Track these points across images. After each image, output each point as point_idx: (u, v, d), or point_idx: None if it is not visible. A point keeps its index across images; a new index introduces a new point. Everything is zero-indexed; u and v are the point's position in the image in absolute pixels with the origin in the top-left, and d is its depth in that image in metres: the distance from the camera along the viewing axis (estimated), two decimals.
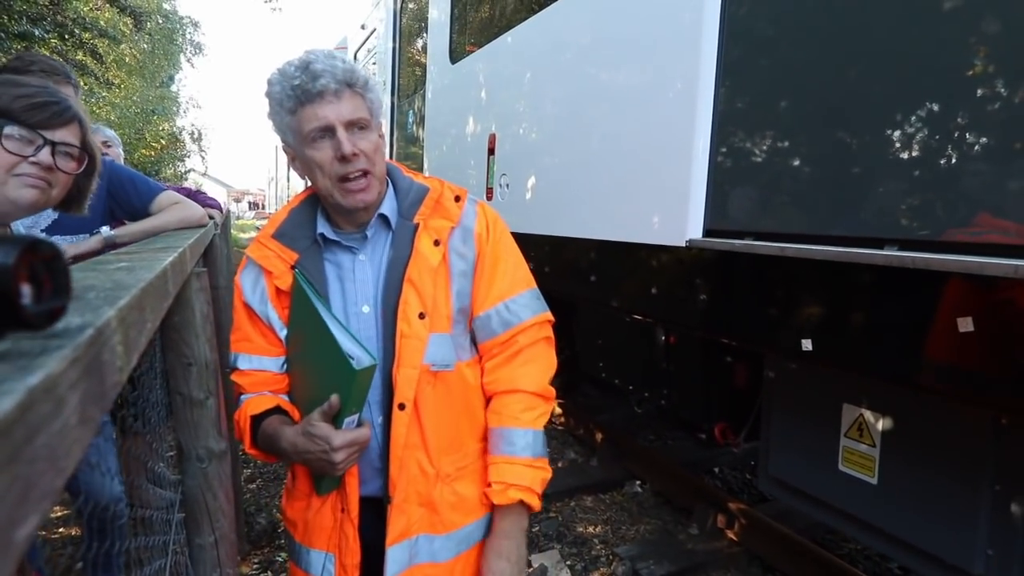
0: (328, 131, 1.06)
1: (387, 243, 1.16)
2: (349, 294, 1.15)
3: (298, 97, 1.05)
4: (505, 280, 1.19)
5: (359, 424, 1.08)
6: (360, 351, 1.05)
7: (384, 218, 1.16)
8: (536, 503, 1.16)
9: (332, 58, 1.06)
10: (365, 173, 1.08)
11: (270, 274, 1.16)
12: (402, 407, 1.10)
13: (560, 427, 4.39)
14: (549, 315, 1.24)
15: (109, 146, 2.88)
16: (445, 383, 1.15)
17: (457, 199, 1.19)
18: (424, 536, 1.15)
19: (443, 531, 1.17)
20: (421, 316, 1.11)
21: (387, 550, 1.13)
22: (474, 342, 1.23)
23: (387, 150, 1.23)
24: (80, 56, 6.44)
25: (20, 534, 0.22)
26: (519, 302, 1.19)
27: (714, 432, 2.90)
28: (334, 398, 1.03)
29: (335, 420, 1.05)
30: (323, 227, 1.16)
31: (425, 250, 1.13)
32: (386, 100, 5.65)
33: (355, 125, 1.08)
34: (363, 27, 7.20)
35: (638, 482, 3.53)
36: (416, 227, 1.15)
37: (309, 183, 1.17)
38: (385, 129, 5.08)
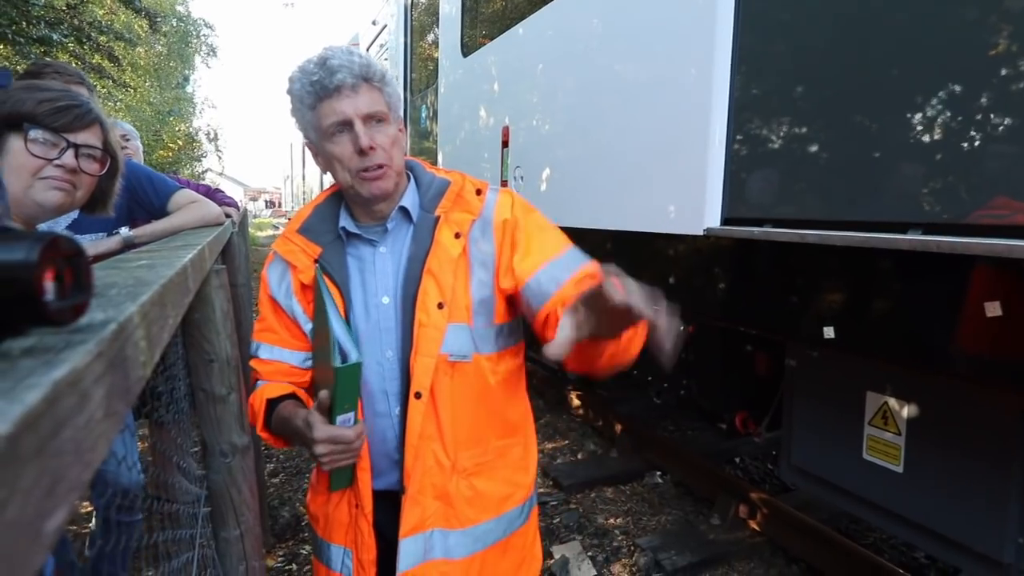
0: (346, 125, 1.08)
1: (408, 235, 1.17)
2: (369, 286, 1.16)
3: (317, 92, 1.07)
4: (548, 242, 1.16)
5: (353, 424, 1.08)
6: (351, 348, 1.06)
7: (405, 211, 1.17)
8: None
9: (349, 53, 1.08)
10: (382, 166, 1.09)
11: (295, 268, 1.17)
12: (418, 396, 1.11)
13: (579, 418, 4.39)
14: (591, 263, 1.17)
15: (128, 140, 2.92)
16: (462, 374, 1.14)
17: (478, 192, 1.19)
18: (439, 530, 1.15)
19: (458, 526, 1.16)
20: (440, 306, 1.11)
21: (400, 542, 1.13)
22: (507, 336, 1.20)
23: (406, 144, 1.24)
24: (97, 59, 6.52)
25: (49, 526, 0.22)
26: (563, 261, 1.14)
27: (735, 422, 2.88)
28: (323, 394, 1.05)
29: (329, 416, 1.06)
30: (345, 221, 1.18)
31: (446, 242, 1.13)
32: None
33: (373, 118, 1.09)
34: (374, 23, 7.21)
35: (658, 473, 3.52)
36: (437, 220, 1.15)
37: (331, 179, 1.18)
38: None
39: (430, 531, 1.15)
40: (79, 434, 0.27)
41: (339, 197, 1.22)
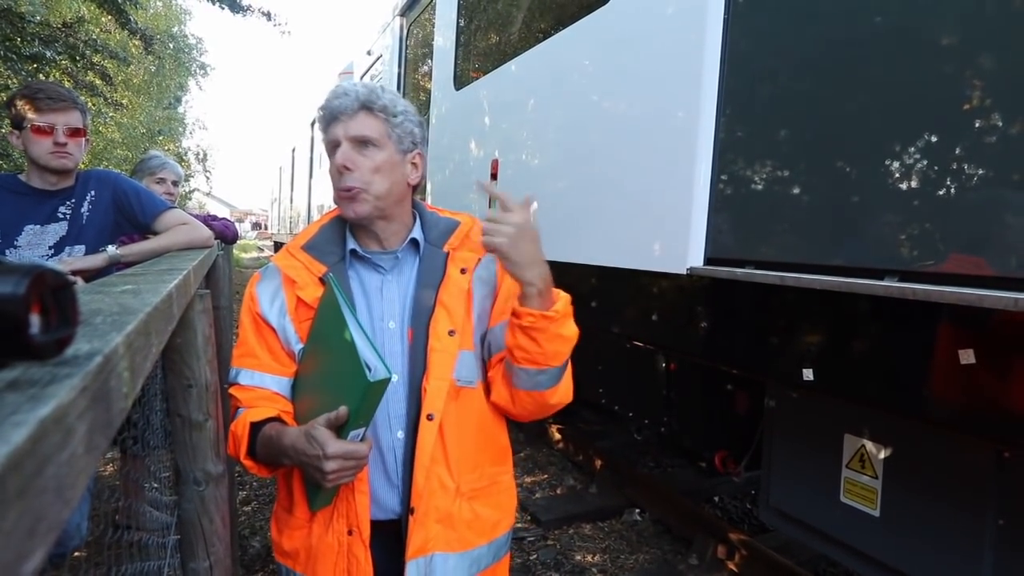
0: (337, 146, 1.15)
1: (415, 267, 1.22)
2: (375, 310, 1.19)
3: (325, 118, 1.17)
4: None
5: (362, 440, 1.06)
6: (379, 363, 1.03)
7: (415, 244, 1.23)
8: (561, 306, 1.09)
9: (361, 85, 1.17)
10: (351, 189, 1.14)
11: (293, 284, 1.18)
12: (430, 417, 1.12)
13: (559, 452, 4.36)
14: None
15: (176, 184, 2.98)
16: (467, 400, 1.18)
17: None
18: (439, 554, 1.15)
19: (459, 549, 1.17)
20: (451, 333, 1.15)
21: (406, 564, 1.12)
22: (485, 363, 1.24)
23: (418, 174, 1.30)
24: (90, 77, 6.51)
25: (27, 568, 0.22)
26: None
27: (714, 460, 2.87)
28: (342, 409, 1.01)
29: (340, 432, 1.03)
30: (353, 244, 1.22)
31: (455, 276, 1.19)
32: None
33: (360, 142, 1.15)
34: (369, 53, 7.30)
35: (637, 510, 3.49)
36: (447, 255, 1.22)
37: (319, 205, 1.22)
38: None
39: (431, 555, 1.14)
40: (61, 471, 0.27)
41: (344, 220, 1.26)
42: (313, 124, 10.85)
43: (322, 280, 1.16)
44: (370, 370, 1.00)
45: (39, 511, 0.23)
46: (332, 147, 1.16)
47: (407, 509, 1.14)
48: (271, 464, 1.15)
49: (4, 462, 0.21)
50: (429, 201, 4.66)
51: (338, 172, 1.15)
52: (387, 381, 1.00)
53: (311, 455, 1.01)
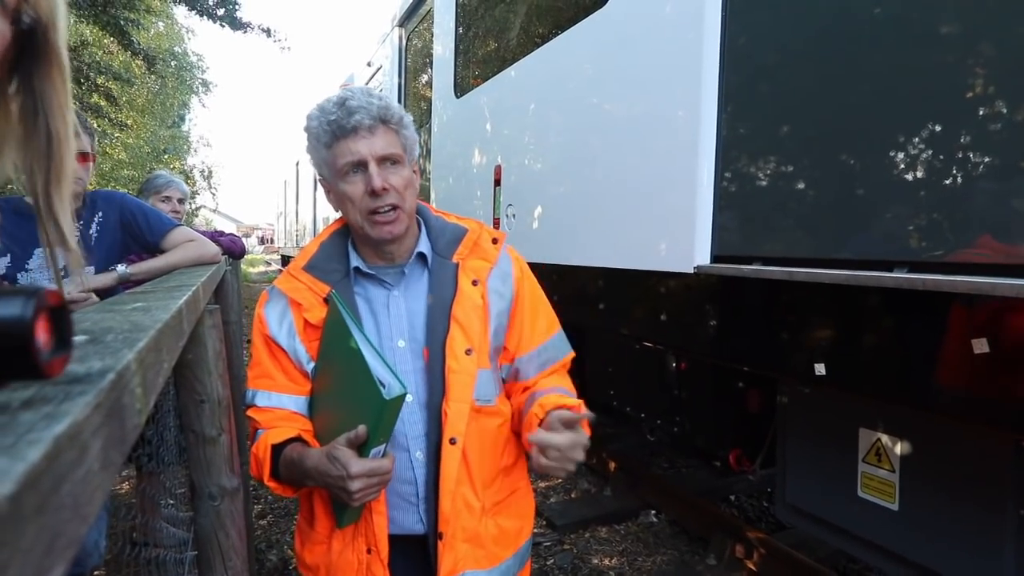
0: (360, 165, 1.10)
1: (423, 280, 1.18)
2: (383, 328, 1.16)
3: (334, 132, 1.09)
4: (543, 323, 1.24)
5: (384, 456, 1.05)
6: (392, 379, 1.02)
7: (422, 256, 1.18)
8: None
9: (368, 95, 1.10)
10: (394, 207, 1.11)
11: (299, 307, 1.15)
12: (453, 442, 1.10)
13: None
14: (572, 353, 1.30)
15: (182, 202, 2.99)
16: (487, 417, 1.16)
17: (495, 241, 1.21)
18: (470, 573, 1.14)
19: (488, 565, 1.16)
20: (468, 352, 1.12)
21: None
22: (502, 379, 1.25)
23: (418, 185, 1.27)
24: (95, 99, 6.59)
25: None
26: (554, 343, 1.25)
27: (729, 459, 2.85)
28: (361, 428, 1.00)
29: (361, 450, 1.02)
30: (356, 261, 1.18)
31: (467, 289, 1.15)
32: None
33: (387, 160, 1.11)
34: (369, 64, 7.34)
35: (653, 512, 3.47)
36: (456, 266, 1.17)
37: (324, 217, 1.20)
38: None
39: (462, 574, 1.13)
40: (77, 488, 0.27)
41: (344, 234, 1.22)
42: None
43: (326, 300, 1.14)
44: (384, 387, 0.99)
45: (57, 528, 0.24)
46: (352, 165, 1.09)
47: (435, 533, 1.13)
48: (295, 485, 1.14)
49: (22, 480, 0.21)
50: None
51: (372, 193, 1.09)
52: (403, 397, 0.99)
53: (335, 476, 1.00)
